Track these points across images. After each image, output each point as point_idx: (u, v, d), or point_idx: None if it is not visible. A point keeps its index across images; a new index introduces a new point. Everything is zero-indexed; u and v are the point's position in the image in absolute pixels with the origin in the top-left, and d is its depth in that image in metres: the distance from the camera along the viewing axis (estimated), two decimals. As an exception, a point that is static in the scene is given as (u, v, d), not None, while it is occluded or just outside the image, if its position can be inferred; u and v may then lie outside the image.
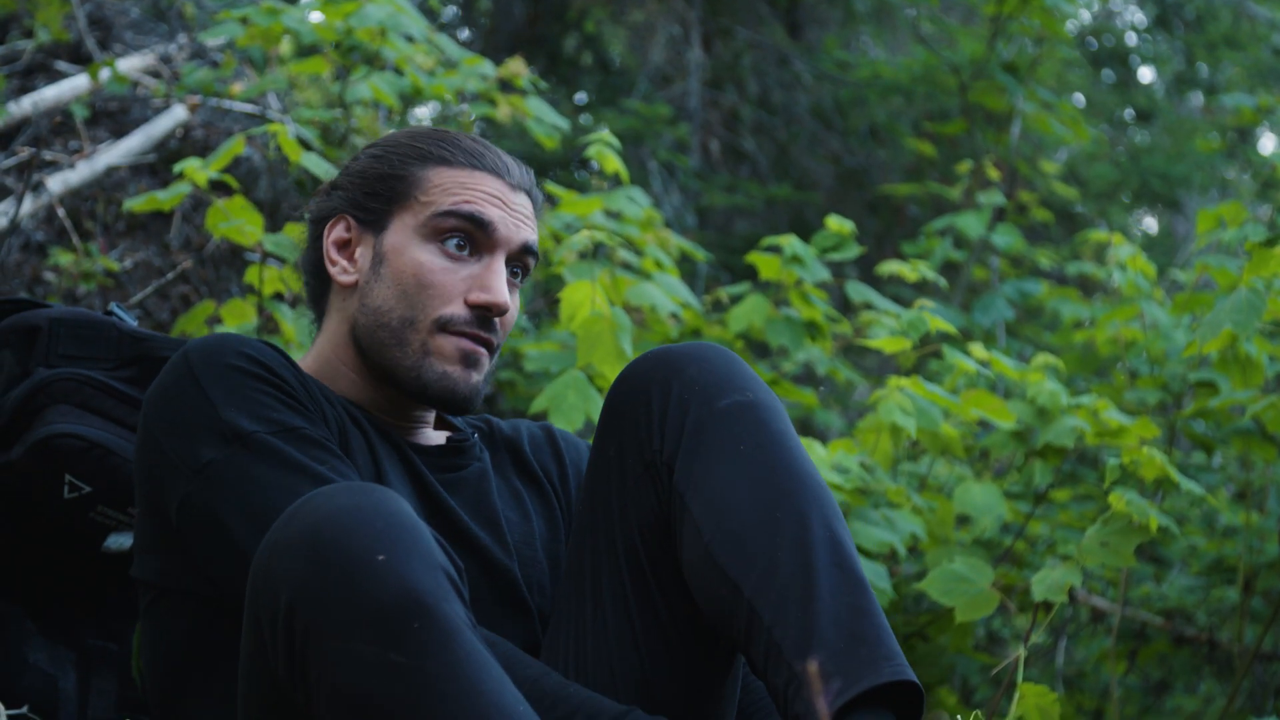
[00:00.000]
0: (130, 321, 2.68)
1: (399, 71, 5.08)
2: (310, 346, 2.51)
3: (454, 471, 2.45)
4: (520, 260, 2.46)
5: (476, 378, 2.41)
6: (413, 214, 2.41)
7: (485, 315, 2.40)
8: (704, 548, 2.15)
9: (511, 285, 2.45)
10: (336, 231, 2.47)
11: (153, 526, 2.29)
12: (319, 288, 2.51)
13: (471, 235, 2.40)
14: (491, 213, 2.40)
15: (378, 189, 2.44)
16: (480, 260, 2.41)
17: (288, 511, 1.97)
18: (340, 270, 2.46)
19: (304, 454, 2.20)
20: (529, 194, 2.49)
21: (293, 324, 3.80)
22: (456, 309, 2.39)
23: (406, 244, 2.40)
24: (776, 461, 2.19)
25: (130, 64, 5.39)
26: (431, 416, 2.53)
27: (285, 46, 5.99)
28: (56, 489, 2.50)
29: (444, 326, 2.38)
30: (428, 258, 2.39)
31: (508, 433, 2.62)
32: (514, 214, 2.44)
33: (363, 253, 2.44)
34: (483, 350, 2.41)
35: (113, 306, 2.70)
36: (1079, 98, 11.13)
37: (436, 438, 2.52)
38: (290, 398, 2.25)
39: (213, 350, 2.25)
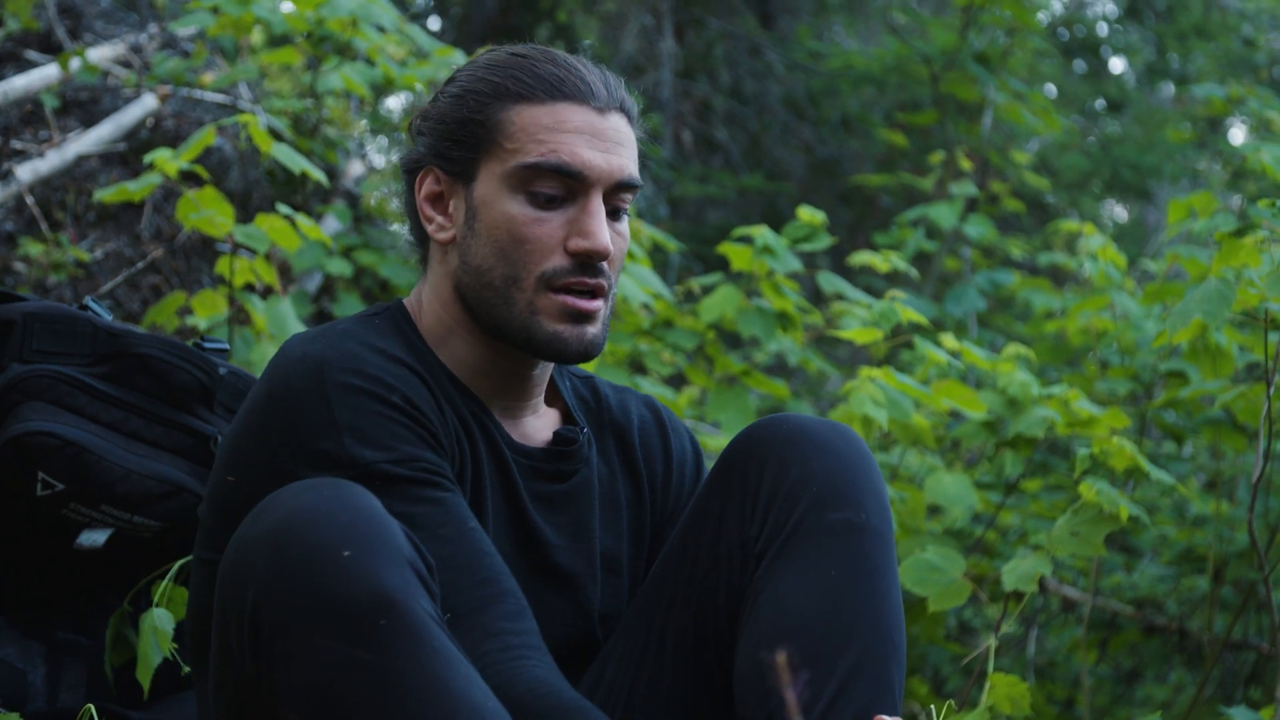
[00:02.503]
0: (106, 316, 2.66)
1: (370, 62, 5.08)
2: (418, 294, 2.40)
3: (558, 482, 2.37)
4: (620, 195, 2.33)
5: (591, 331, 2.28)
6: (499, 161, 2.28)
7: (588, 261, 2.27)
8: (757, 664, 2.10)
9: (613, 221, 2.32)
10: (427, 185, 2.35)
11: (235, 503, 2.19)
12: (420, 234, 2.40)
13: (562, 184, 2.27)
14: (581, 156, 2.27)
15: (461, 135, 2.30)
16: (575, 203, 2.28)
17: (255, 509, 1.95)
18: (437, 227, 2.34)
19: (417, 486, 2.14)
20: (621, 109, 2.35)
21: (264, 315, 3.79)
22: (558, 260, 2.26)
23: (496, 195, 2.27)
24: (860, 604, 2.12)
25: (100, 53, 5.38)
26: (544, 389, 2.42)
27: (256, 36, 5.98)
28: (29, 486, 2.49)
29: (549, 283, 2.26)
30: (519, 210, 2.26)
31: (617, 414, 2.50)
32: (606, 145, 2.30)
33: (456, 205, 2.32)
34: (592, 304, 2.28)
35: (88, 301, 2.68)
36: (1050, 88, 11.16)
37: (544, 429, 2.42)
38: (420, 426, 2.17)
39: (349, 370, 2.16)
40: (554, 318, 2.27)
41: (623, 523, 2.44)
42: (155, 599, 2.53)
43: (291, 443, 2.14)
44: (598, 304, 2.30)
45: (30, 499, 2.49)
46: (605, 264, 2.29)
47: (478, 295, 2.30)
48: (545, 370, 2.41)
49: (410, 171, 2.38)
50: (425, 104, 2.43)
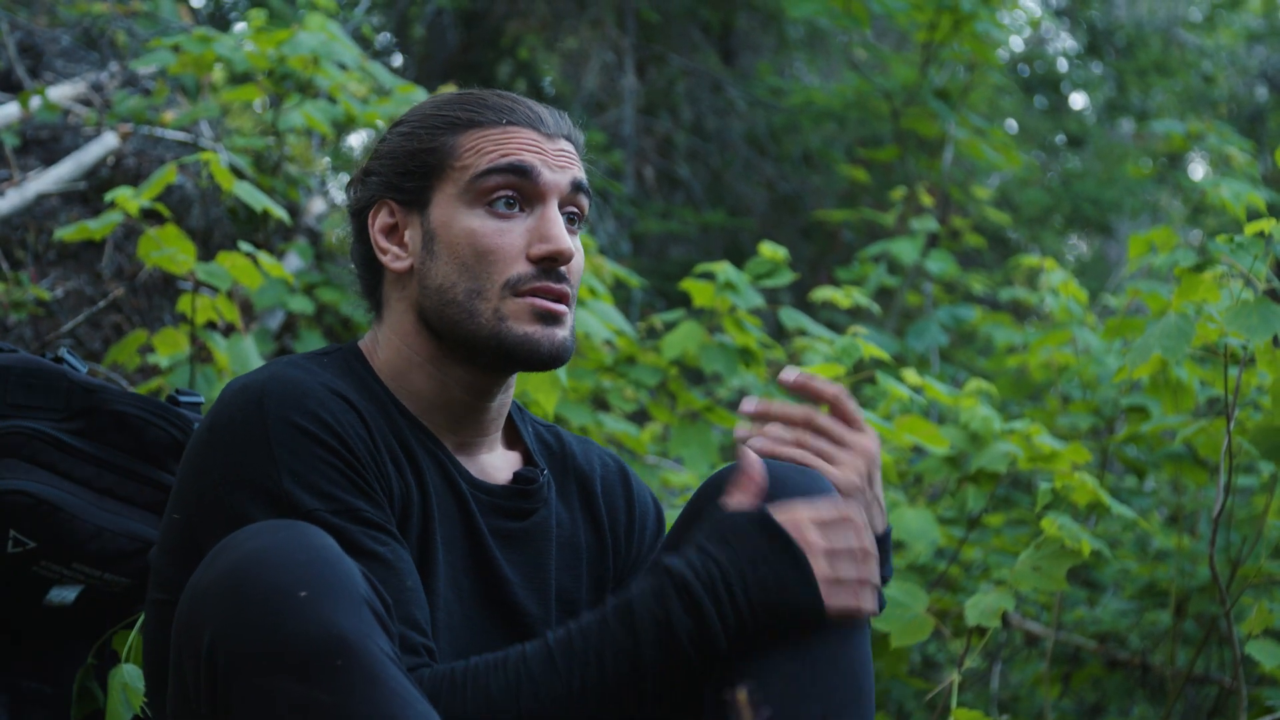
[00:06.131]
0: (81, 369, 2.63)
1: (332, 99, 5.07)
2: (373, 335, 2.39)
3: (517, 519, 2.36)
4: (574, 202, 2.35)
5: (561, 334, 2.29)
6: (452, 183, 2.29)
7: (551, 266, 2.28)
8: (723, 706, 2.08)
9: (570, 230, 2.33)
10: (380, 218, 2.35)
11: (181, 541, 2.19)
12: (372, 279, 2.39)
13: (517, 188, 2.29)
14: (531, 159, 2.29)
15: (412, 167, 2.32)
16: (533, 213, 2.29)
17: (211, 552, 1.93)
18: (392, 257, 2.34)
19: (357, 537, 2.11)
20: (568, 138, 2.37)
21: (226, 353, 3.78)
22: (521, 268, 2.27)
23: (454, 215, 2.28)
24: (830, 655, 2.12)
25: (61, 92, 5.36)
26: (501, 425, 2.42)
27: (218, 74, 5.98)
28: (0, 543, 2.46)
29: (513, 289, 2.26)
30: (478, 223, 2.27)
31: (580, 461, 2.50)
32: (557, 162, 2.32)
33: (411, 235, 2.32)
34: (559, 306, 2.29)
35: (63, 353, 2.65)
36: (1011, 123, 11.22)
37: (504, 468, 2.41)
38: (355, 473, 2.15)
39: (289, 405, 2.14)
40: (523, 320, 2.27)
41: (582, 567, 2.42)
42: (123, 653, 2.51)
43: (231, 476, 2.13)
44: (564, 307, 2.30)
45: (1, 556, 2.47)
46: (566, 271, 2.30)
47: (441, 314, 2.29)
48: (503, 406, 2.40)
49: (359, 214, 2.38)
50: (361, 166, 2.44)
